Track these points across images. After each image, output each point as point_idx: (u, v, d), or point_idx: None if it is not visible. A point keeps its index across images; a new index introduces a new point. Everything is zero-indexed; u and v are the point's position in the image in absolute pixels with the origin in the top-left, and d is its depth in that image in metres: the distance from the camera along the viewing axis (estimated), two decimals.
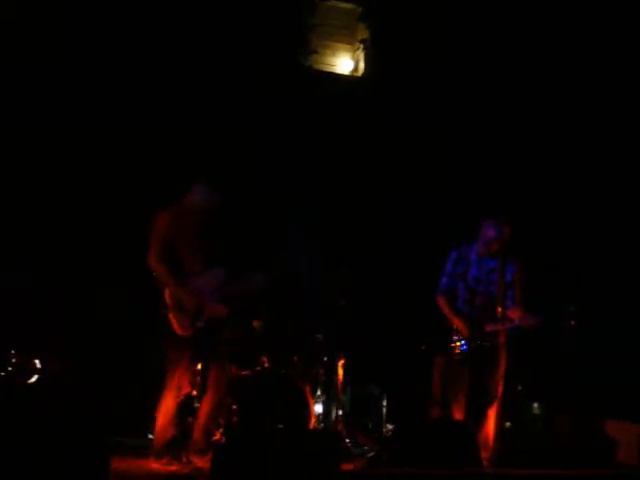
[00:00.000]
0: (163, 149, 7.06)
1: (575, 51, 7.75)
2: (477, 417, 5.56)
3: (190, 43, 7.34)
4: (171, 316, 5.14)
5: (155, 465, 5.21)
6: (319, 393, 6.53)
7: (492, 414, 5.57)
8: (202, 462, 5.19)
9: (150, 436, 6.10)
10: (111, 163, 7.01)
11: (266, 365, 6.42)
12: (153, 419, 5.42)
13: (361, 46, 8.27)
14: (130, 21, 7.17)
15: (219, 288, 5.35)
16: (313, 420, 6.25)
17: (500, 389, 5.59)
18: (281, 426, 6.02)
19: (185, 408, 5.62)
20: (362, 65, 8.33)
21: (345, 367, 6.60)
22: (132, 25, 7.16)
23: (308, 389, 6.32)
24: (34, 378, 6.10)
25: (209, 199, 5.45)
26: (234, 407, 6.09)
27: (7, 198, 6.67)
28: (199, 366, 5.89)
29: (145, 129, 7.06)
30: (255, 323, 6.57)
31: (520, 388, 6.95)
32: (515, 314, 5.62)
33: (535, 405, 7.02)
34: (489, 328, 5.60)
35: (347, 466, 5.38)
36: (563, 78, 7.81)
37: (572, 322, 5.61)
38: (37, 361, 6.15)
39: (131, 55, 7.15)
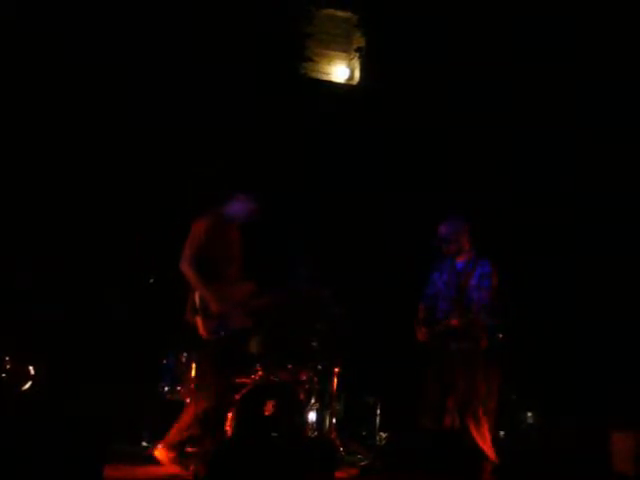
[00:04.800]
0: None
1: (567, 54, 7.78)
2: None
3: (187, 47, 7.37)
4: (198, 319, 5.13)
5: (159, 455, 5.18)
6: (313, 401, 6.52)
7: (484, 423, 5.49)
8: (161, 454, 5.20)
9: (144, 443, 6.11)
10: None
11: (260, 373, 6.41)
12: (147, 426, 5.42)
13: (357, 55, 8.29)
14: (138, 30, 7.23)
15: (246, 301, 5.34)
16: (307, 428, 6.25)
17: (492, 399, 5.53)
18: (275, 434, 6.02)
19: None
20: (358, 74, 8.34)
21: (339, 375, 6.60)
22: (137, 33, 7.22)
23: (302, 397, 6.32)
24: (28, 385, 6.09)
25: (250, 209, 5.43)
26: (229, 415, 6.08)
27: (7, 201, 6.72)
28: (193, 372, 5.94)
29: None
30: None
31: (514, 398, 6.95)
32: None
33: (529, 414, 7.02)
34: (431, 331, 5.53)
35: (341, 474, 5.39)
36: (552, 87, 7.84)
37: (500, 336, 5.59)
38: (31, 368, 6.15)
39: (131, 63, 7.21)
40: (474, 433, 5.17)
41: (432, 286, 5.75)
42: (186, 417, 5.37)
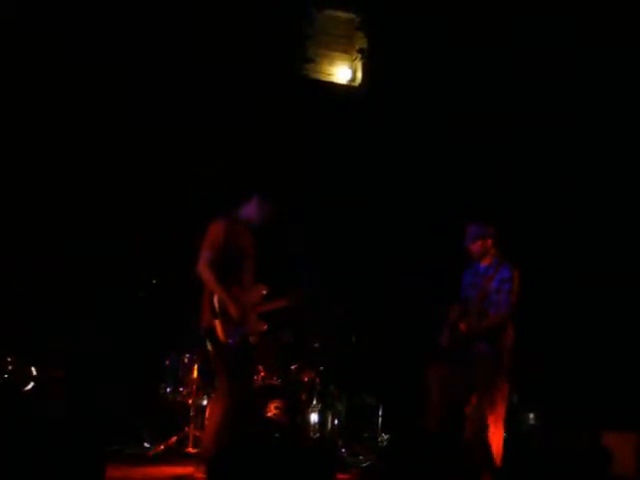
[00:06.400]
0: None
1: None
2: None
3: (187, 48, 7.38)
4: (217, 322, 5.06)
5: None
6: (315, 402, 6.51)
7: (500, 427, 5.43)
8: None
9: (146, 444, 6.09)
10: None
11: (262, 374, 6.41)
12: (148, 427, 5.38)
13: (359, 56, 8.28)
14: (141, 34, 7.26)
15: (259, 304, 5.29)
16: (309, 430, 6.24)
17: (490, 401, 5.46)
18: (277, 435, 6.01)
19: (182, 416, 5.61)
20: (360, 75, 8.34)
21: (341, 376, 6.59)
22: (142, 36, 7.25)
23: (304, 398, 6.32)
24: (30, 385, 6.09)
25: (266, 212, 5.39)
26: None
27: (7, 201, 6.73)
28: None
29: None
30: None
31: (516, 399, 6.94)
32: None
33: (531, 415, 7.02)
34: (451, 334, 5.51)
35: (342, 476, 5.38)
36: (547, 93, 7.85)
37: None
38: (33, 368, 6.14)
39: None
40: (490, 436, 5.16)
41: (463, 289, 5.70)
42: (210, 424, 5.27)
